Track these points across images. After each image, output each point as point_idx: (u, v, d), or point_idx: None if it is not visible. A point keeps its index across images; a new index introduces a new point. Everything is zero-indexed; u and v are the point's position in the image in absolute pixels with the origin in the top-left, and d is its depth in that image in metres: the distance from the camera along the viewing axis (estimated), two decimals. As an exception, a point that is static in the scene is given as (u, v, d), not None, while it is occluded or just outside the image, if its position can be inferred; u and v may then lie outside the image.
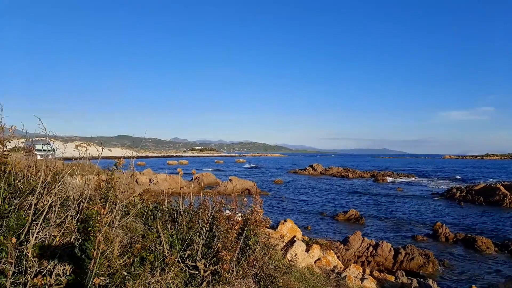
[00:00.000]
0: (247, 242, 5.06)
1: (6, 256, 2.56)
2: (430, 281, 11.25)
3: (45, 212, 3.09)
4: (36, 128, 3.70)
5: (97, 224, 3.00)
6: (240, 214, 5.66)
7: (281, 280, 4.81)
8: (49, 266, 2.87)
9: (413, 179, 61.32)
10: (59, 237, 3.12)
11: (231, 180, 38.65)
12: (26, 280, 2.70)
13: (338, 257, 10.48)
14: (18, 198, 3.44)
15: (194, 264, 4.29)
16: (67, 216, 3.33)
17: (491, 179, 55.36)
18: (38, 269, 2.72)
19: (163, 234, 4.25)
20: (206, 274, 4.22)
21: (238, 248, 4.52)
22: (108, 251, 3.31)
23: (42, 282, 2.52)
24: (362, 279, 8.12)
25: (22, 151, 5.46)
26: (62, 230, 3.15)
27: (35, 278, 2.57)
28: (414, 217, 26.03)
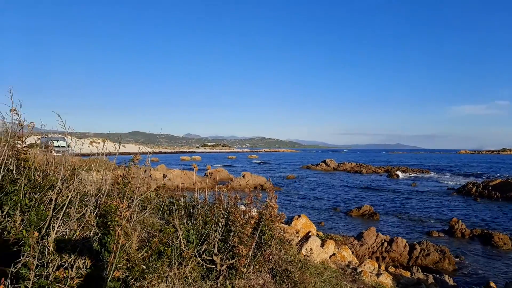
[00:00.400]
0: (262, 237, 5.07)
1: (29, 249, 2.61)
2: (446, 277, 11.13)
3: (65, 206, 3.14)
4: (55, 124, 3.76)
5: (117, 219, 3.04)
6: (254, 210, 5.68)
7: (297, 275, 4.81)
8: (69, 260, 2.91)
9: (427, 174, 60.60)
10: (79, 231, 3.17)
11: (243, 176, 38.76)
12: (48, 272, 2.75)
13: (352, 252, 10.43)
14: (38, 193, 3.50)
15: (210, 258, 4.32)
16: (86, 210, 3.38)
17: (508, 174, 54.37)
18: (59, 262, 2.77)
19: (180, 228, 4.28)
20: (222, 268, 4.25)
21: (254, 243, 4.53)
22: (126, 245, 3.35)
23: (64, 275, 2.57)
24: (377, 275, 8.07)
25: (39, 147, 5.56)
26: (82, 224, 3.20)
27: (57, 271, 2.62)
28: (429, 213, 25.75)
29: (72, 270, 2.79)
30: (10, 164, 3.71)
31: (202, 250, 4.38)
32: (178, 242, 4.22)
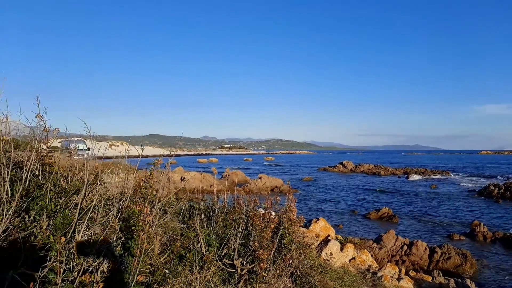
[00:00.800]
0: (282, 241, 5.06)
1: (56, 254, 2.66)
2: (468, 281, 10.88)
3: (90, 211, 3.20)
4: (77, 128, 3.84)
5: (140, 224, 3.08)
6: (273, 213, 5.67)
7: (317, 280, 4.78)
8: (94, 264, 2.96)
9: (447, 176, 59.44)
10: (103, 236, 3.21)
11: (260, 178, 38.75)
12: (73, 277, 2.80)
13: (371, 256, 10.30)
14: (64, 198, 3.58)
15: (231, 262, 4.33)
16: (110, 215, 3.44)
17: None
18: (85, 267, 2.82)
19: (201, 232, 4.31)
20: (243, 272, 4.25)
21: (274, 247, 4.52)
22: (149, 249, 3.39)
23: (90, 279, 2.62)
24: (398, 279, 7.95)
25: (59, 151, 5.67)
26: (107, 229, 3.25)
27: (83, 276, 2.67)
28: (450, 215, 25.24)
29: (97, 274, 2.83)
30: (36, 170, 3.80)
31: (223, 254, 4.40)
32: (199, 246, 4.24)
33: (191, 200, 6.37)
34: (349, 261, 8.15)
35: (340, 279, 6.05)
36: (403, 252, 14.79)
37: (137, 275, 2.95)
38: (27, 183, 3.38)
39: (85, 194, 3.42)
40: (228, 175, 41.12)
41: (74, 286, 2.70)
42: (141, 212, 3.15)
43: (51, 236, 2.74)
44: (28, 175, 3.40)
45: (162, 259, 3.64)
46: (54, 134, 4.16)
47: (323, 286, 4.86)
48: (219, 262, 4.25)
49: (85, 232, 3.14)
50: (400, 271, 9.63)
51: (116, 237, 3.40)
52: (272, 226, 4.69)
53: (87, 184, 3.40)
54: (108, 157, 5.33)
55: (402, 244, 15.09)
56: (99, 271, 2.97)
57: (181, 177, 36.37)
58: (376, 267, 8.88)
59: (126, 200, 3.79)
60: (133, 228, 3.25)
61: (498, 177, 55.23)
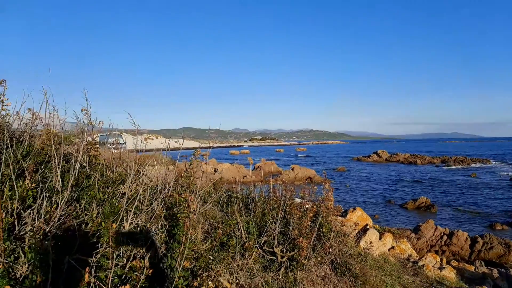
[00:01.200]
0: (321, 229, 5.06)
1: (107, 240, 2.79)
2: (512, 271, 10.50)
3: (136, 200, 3.32)
4: (125, 121, 3.98)
5: (185, 211, 3.17)
6: (310, 202, 5.66)
7: (358, 268, 4.75)
8: (142, 250, 3.08)
9: (488, 164, 57.13)
10: (149, 224, 3.34)
11: (292, 169, 38.71)
12: (123, 262, 2.93)
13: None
14: (110, 188, 3.73)
15: (271, 250, 4.38)
16: (155, 203, 3.55)
17: None
18: (135, 252, 2.94)
19: (240, 220, 4.38)
20: (283, 260, 4.29)
21: (314, 235, 4.53)
22: (193, 236, 3.48)
23: (140, 264, 2.72)
24: (440, 268, 7.77)
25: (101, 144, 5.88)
26: (153, 216, 3.37)
27: (133, 261, 2.79)
28: (491, 204, 24.31)
29: (145, 260, 2.94)
30: (84, 161, 3.97)
31: (262, 242, 4.45)
32: (239, 233, 4.32)
33: (228, 190, 6.47)
34: (388, 250, 8.04)
35: (380, 268, 5.99)
36: (442, 242, 14.44)
37: (184, 261, 3.04)
38: (76, 173, 3.54)
39: (130, 183, 3.55)
40: (261, 166, 41.28)
41: (125, 271, 2.83)
42: (186, 200, 3.24)
43: (103, 223, 2.87)
44: (77, 166, 3.56)
45: (205, 246, 3.73)
46: (99, 127, 4.33)
47: (364, 275, 4.83)
48: (259, 250, 4.31)
49: (132, 220, 3.26)
50: (441, 260, 9.41)
51: (161, 225, 3.52)
52: (311, 215, 4.70)
53: (132, 173, 3.53)
54: (148, 150, 5.49)
55: (442, 234, 14.72)
56: (147, 257, 3.09)
57: (215, 168, 36.91)
58: (416, 256, 8.72)
59: (169, 189, 3.90)
60: (178, 215, 3.35)
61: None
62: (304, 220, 4.72)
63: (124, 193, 3.64)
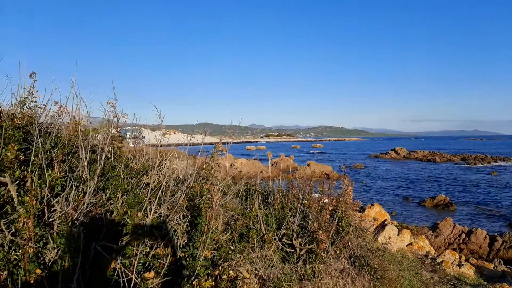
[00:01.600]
0: (339, 223, 5.07)
1: (132, 229, 2.88)
2: (533, 271, 10.29)
3: (160, 190, 3.40)
4: (145, 116, 4.06)
5: (208, 201, 3.24)
6: (328, 197, 5.68)
7: (376, 262, 4.76)
8: (165, 239, 3.16)
9: (510, 162, 55.73)
10: (172, 214, 3.42)
11: (309, 165, 38.58)
12: (146, 250, 3.02)
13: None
14: (134, 178, 3.83)
15: (290, 242, 4.42)
16: (177, 194, 3.64)
17: None
18: (159, 240, 3.03)
19: (260, 213, 4.43)
20: (302, 252, 4.33)
21: (333, 228, 4.56)
22: (213, 227, 3.55)
23: (164, 252, 2.81)
24: (459, 265, 7.69)
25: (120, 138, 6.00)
26: (176, 207, 3.45)
27: (157, 249, 2.87)
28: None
29: (169, 248, 3.02)
30: (108, 152, 4.08)
31: (281, 234, 4.50)
32: (259, 225, 4.37)
33: (247, 183, 6.54)
34: (406, 246, 7.99)
35: (398, 263, 5.97)
36: (461, 241, 14.24)
37: (205, 250, 3.11)
38: (102, 164, 3.65)
39: (153, 174, 3.64)
40: (276, 162, 41.29)
41: (149, 258, 2.92)
42: (209, 191, 3.31)
43: (128, 211, 2.96)
44: (103, 157, 3.66)
45: (225, 237, 3.80)
46: (124, 120, 4.44)
47: (382, 269, 4.83)
48: (278, 242, 4.36)
49: (156, 210, 3.35)
50: (460, 258, 9.31)
51: (182, 215, 3.60)
52: (330, 209, 4.72)
53: (156, 165, 3.62)
54: (169, 145, 5.59)
55: (460, 232, 14.52)
56: (169, 246, 3.17)
57: (231, 163, 37.10)
58: (434, 253, 8.65)
59: (191, 180, 3.98)
60: (200, 205, 3.42)
61: None
62: (323, 214, 4.75)
63: (148, 184, 3.74)
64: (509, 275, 9.41)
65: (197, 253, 3.15)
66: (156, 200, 3.37)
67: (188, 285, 2.83)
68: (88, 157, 3.41)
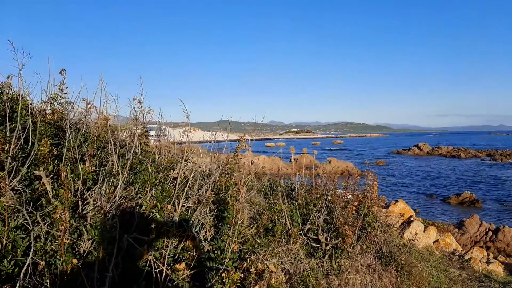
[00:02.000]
0: (365, 219, 5.03)
1: (161, 220, 2.94)
2: None
3: (187, 184, 3.45)
4: (174, 112, 4.12)
5: (235, 195, 3.27)
6: (352, 193, 5.64)
7: (403, 258, 4.71)
8: (194, 231, 3.21)
9: (539, 158, 53.90)
10: (200, 207, 3.46)
11: (329, 161, 38.28)
12: (175, 244, 3.07)
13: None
14: (162, 173, 3.89)
15: (315, 237, 4.42)
16: (204, 188, 3.68)
17: None
18: (188, 233, 3.08)
19: (284, 207, 4.44)
20: (327, 247, 4.32)
21: (359, 224, 4.53)
22: (240, 221, 3.59)
23: (193, 244, 2.85)
24: (487, 263, 7.52)
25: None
26: (204, 200, 3.49)
27: (187, 241, 2.92)
28: (542, 200, 23.03)
29: (196, 241, 3.07)
30: (136, 147, 4.16)
31: (306, 229, 4.50)
32: (283, 220, 4.38)
33: (270, 179, 6.55)
34: (432, 243, 7.86)
35: (425, 260, 5.88)
36: (487, 238, 13.89)
37: (233, 244, 3.14)
38: (130, 158, 3.73)
39: (180, 169, 3.70)
40: (296, 158, 41.16)
41: (178, 250, 2.97)
42: (236, 184, 3.34)
43: (158, 204, 3.02)
44: (131, 152, 3.74)
45: (251, 231, 3.83)
46: (150, 116, 4.51)
47: (409, 265, 4.78)
48: (304, 237, 4.36)
49: (184, 203, 3.40)
50: (488, 255, 9.10)
51: (209, 209, 3.64)
52: (356, 204, 4.69)
53: (184, 159, 3.67)
54: (193, 142, 5.67)
55: (487, 229, 14.16)
56: (197, 239, 3.22)
57: (251, 160, 37.17)
58: (461, 250, 8.48)
59: (217, 175, 4.02)
60: (227, 199, 3.46)
61: None
62: (348, 209, 4.72)
63: (175, 178, 3.80)
64: (539, 273, 9.15)
65: (225, 246, 3.19)
66: (184, 194, 3.42)
67: (217, 277, 2.86)
68: (117, 152, 3.49)
